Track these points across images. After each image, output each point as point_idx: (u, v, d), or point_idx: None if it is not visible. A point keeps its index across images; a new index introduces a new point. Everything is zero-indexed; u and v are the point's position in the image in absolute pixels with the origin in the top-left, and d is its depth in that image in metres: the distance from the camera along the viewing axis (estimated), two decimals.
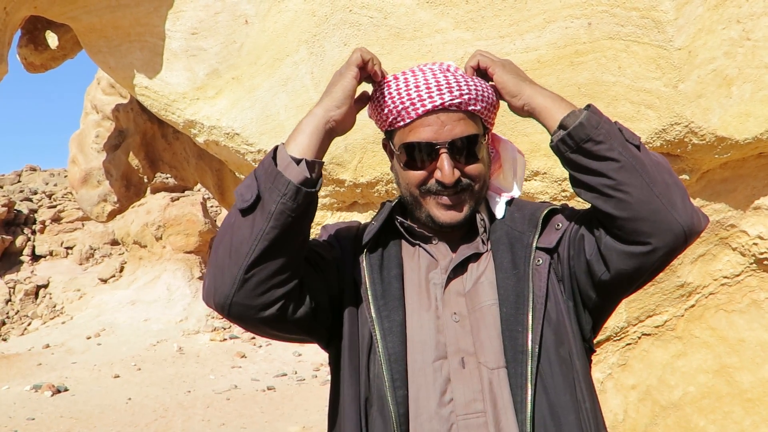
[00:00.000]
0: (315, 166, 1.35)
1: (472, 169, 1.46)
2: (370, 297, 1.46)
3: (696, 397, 2.88)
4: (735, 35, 2.42)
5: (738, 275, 2.84)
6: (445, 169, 1.42)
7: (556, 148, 1.37)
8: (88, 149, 5.77)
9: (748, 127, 2.45)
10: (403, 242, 1.56)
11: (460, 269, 1.50)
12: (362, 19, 2.77)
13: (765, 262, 2.77)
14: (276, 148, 1.36)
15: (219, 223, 21.09)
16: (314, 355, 13.30)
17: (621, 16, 2.48)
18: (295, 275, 1.37)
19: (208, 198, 21.66)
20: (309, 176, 1.31)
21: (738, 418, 2.82)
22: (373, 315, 1.44)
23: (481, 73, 1.51)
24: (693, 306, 2.89)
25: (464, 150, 1.44)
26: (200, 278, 18.36)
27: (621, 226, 1.31)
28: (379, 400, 1.41)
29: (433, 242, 1.55)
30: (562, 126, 1.35)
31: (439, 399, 1.39)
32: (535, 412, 1.34)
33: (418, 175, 1.47)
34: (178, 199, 19.38)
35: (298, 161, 1.32)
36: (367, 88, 1.55)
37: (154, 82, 3.15)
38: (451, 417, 1.38)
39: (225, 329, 16.16)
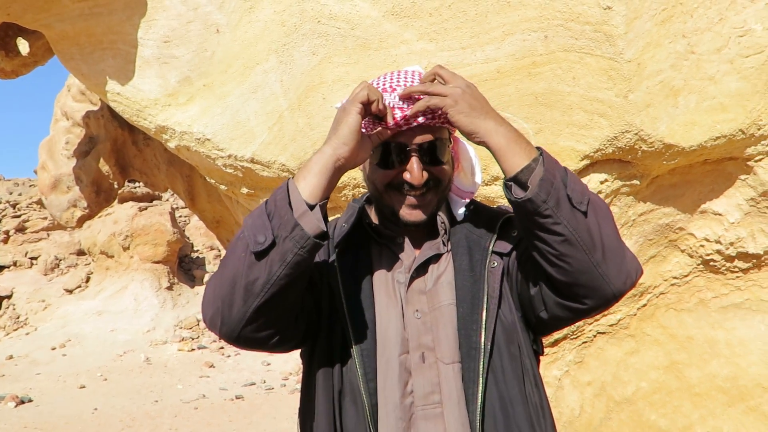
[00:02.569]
0: (324, 208, 1.41)
1: (439, 171, 1.56)
2: (343, 297, 1.56)
3: (648, 392, 3.02)
4: (681, 49, 2.57)
5: (686, 276, 2.99)
6: (415, 171, 1.51)
7: (508, 200, 1.41)
8: (58, 155, 5.77)
9: (693, 135, 2.60)
10: (372, 241, 1.67)
11: (422, 269, 1.60)
12: (330, 29, 2.87)
13: (711, 263, 2.93)
14: (288, 188, 1.39)
15: (188, 233, 20.94)
16: (283, 365, 13.29)
17: (575, 30, 2.61)
18: (296, 309, 1.49)
19: (177, 207, 21.49)
20: (324, 229, 1.37)
21: (687, 412, 2.97)
22: (347, 314, 1.54)
23: None
24: (645, 305, 3.03)
25: (432, 153, 1.54)
26: (168, 288, 18.17)
27: (559, 286, 1.42)
28: (351, 392, 1.52)
29: (398, 241, 1.65)
30: (516, 180, 1.37)
31: (402, 390, 1.51)
32: (486, 404, 1.47)
33: (388, 174, 1.56)
34: (146, 208, 19.19)
35: (311, 206, 1.37)
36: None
37: (126, 89, 3.21)
38: (411, 408, 1.50)
39: (193, 339, 16.02)
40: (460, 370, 1.50)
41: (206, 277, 19.62)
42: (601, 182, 2.78)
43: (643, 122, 2.59)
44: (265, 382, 12.15)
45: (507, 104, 2.71)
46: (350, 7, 2.84)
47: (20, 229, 22.07)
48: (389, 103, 1.50)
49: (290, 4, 2.93)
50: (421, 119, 1.50)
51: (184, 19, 3.13)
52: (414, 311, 1.56)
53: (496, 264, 1.56)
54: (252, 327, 1.40)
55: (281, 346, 1.51)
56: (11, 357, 14.92)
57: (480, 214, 1.67)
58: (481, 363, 1.47)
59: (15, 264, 21.11)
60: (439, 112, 1.47)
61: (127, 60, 3.19)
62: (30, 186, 23.25)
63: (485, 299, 1.51)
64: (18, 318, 18.19)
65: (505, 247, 1.59)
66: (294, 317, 1.50)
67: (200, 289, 17.65)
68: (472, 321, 1.50)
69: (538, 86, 2.69)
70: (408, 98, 1.49)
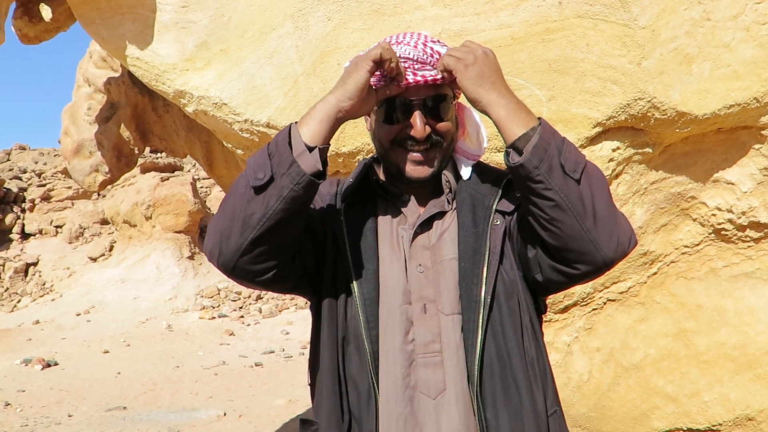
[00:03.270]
0: (325, 152, 1.48)
1: (442, 126, 1.62)
2: (348, 248, 1.62)
3: (656, 359, 3.05)
4: (696, 15, 2.55)
5: (698, 244, 3.00)
6: (418, 124, 1.57)
7: (507, 167, 1.48)
8: (80, 121, 5.88)
9: (706, 103, 2.59)
10: (378, 198, 1.72)
11: (426, 225, 1.66)
12: None
13: (722, 233, 2.93)
14: (290, 129, 1.47)
15: (209, 204, 21.15)
16: (301, 334, 13.49)
17: None
18: (292, 247, 1.55)
19: (198, 179, 21.68)
20: (320, 169, 1.44)
21: (694, 379, 3.00)
22: (351, 264, 1.61)
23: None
24: (655, 273, 3.05)
25: (435, 109, 1.60)
26: (190, 258, 18.44)
27: (552, 250, 1.47)
28: (355, 339, 1.59)
29: (404, 198, 1.70)
30: (513, 147, 1.43)
31: (403, 338, 1.57)
32: (484, 355, 1.53)
33: (393, 129, 1.62)
34: (168, 179, 19.41)
35: (311, 149, 1.44)
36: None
37: (145, 54, 3.26)
38: (412, 354, 1.57)
39: (214, 308, 16.29)
40: (460, 322, 1.56)
41: None
42: (614, 150, 2.79)
43: (657, 90, 2.59)
44: (284, 350, 12.36)
45: (520, 71, 2.72)
46: None
47: (45, 198, 22.45)
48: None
49: None
50: (430, 76, 1.55)
51: None
52: (417, 265, 1.62)
53: (498, 222, 1.61)
54: (247, 258, 1.46)
55: (276, 283, 1.57)
56: (38, 322, 15.33)
57: (485, 174, 1.71)
58: (481, 315, 1.53)
59: (41, 232, 21.52)
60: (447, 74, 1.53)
61: (146, 24, 3.23)
62: (55, 156, 23.55)
63: (486, 255, 1.56)
64: (44, 285, 18.62)
65: (508, 206, 1.63)
66: (290, 255, 1.55)
67: None
68: (473, 275, 1.56)
69: (551, 53, 2.69)
70: (422, 64, 1.55)
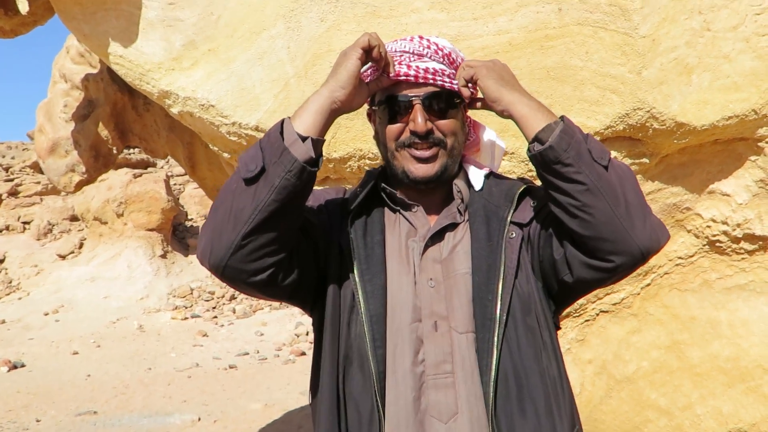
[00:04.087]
0: (319, 144, 1.42)
1: (445, 124, 1.56)
2: (354, 261, 1.54)
3: (648, 371, 3.02)
4: (696, 25, 2.53)
5: (692, 256, 2.98)
6: (418, 118, 1.52)
7: (531, 159, 1.45)
8: (56, 118, 5.69)
9: (705, 114, 2.57)
10: (386, 209, 1.65)
11: (437, 237, 1.59)
12: None
13: (717, 244, 2.92)
14: (283, 122, 1.41)
15: (182, 202, 20.87)
16: (276, 335, 13.35)
17: (590, 3, 2.57)
18: (288, 245, 1.45)
19: (172, 175, 21.38)
20: (313, 156, 1.38)
21: (687, 392, 2.98)
22: (357, 278, 1.52)
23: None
24: (649, 285, 3.03)
25: (437, 106, 1.55)
26: (162, 256, 18.15)
27: (584, 242, 1.41)
28: (359, 357, 1.50)
29: (413, 210, 1.63)
30: (537, 139, 1.41)
31: (413, 358, 1.49)
32: (499, 376, 1.45)
33: (395, 128, 1.57)
34: (140, 175, 19.09)
35: (303, 139, 1.38)
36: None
37: (129, 51, 3.14)
38: (422, 377, 1.49)
39: (186, 308, 16.05)
40: (474, 340, 1.49)
41: None
42: None
43: (656, 100, 2.56)
44: (258, 352, 12.20)
45: (518, 78, 2.59)
46: None
47: (13, 193, 21.94)
48: (394, 56, 1.54)
49: None
50: (431, 76, 1.53)
51: None
52: (428, 279, 1.54)
53: (514, 234, 1.55)
54: (240, 255, 1.38)
55: (271, 286, 1.47)
56: (3, 321, 14.93)
57: (499, 184, 1.65)
58: (496, 334, 1.46)
59: (7, 228, 21.02)
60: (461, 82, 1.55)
61: (130, 22, 3.11)
62: (23, 150, 23.05)
63: (502, 269, 1.50)
64: (10, 283, 18.16)
65: (524, 217, 1.57)
66: (287, 256, 1.46)
67: (194, 258, 17.60)
68: (487, 291, 1.49)
69: (550, 60, 2.64)
70: (419, 56, 1.54)
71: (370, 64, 1.53)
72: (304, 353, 11.59)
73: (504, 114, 1.51)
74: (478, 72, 1.51)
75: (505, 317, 1.47)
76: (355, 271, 1.53)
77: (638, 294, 3.04)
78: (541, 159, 1.39)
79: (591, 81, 2.61)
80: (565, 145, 1.36)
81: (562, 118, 1.42)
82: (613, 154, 2.74)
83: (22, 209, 21.68)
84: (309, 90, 2.83)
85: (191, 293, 16.91)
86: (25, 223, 21.34)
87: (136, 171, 19.43)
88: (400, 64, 1.53)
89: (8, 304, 16.56)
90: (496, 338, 1.45)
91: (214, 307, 16.13)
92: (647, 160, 2.77)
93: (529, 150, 1.44)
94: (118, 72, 3.28)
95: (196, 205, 21.32)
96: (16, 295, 17.34)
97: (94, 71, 5.72)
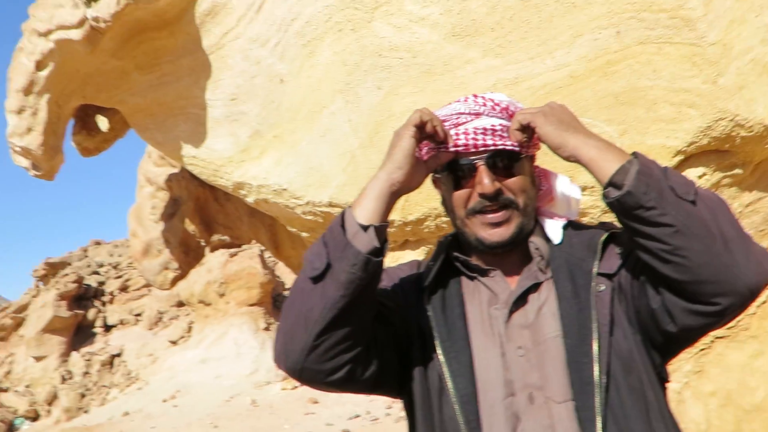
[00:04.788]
0: (383, 230, 1.37)
1: (513, 182, 1.47)
2: (436, 340, 1.46)
3: None
4: None
5: None
6: (484, 180, 1.43)
7: (608, 206, 1.33)
8: (146, 221, 6.01)
9: None
10: (463, 278, 1.57)
11: (521, 301, 1.47)
12: (392, 61, 2.83)
13: None
14: (344, 214, 1.38)
15: (278, 273, 21.37)
16: None
17: (649, 20, 2.47)
18: (363, 339, 1.40)
19: (265, 250, 22.01)
20: (377, 245, 1.34)
21: None
22: (441, 358, 1.43)
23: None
24: (764, 302, 2.79)
25: (503, 164, 1.46)
26: (266, 329, 18.58)
27: (683, 288, 1.27)
28: None
29: (491, 275, 1.54)
30: (611, 184, 1.29)
31: None
32: None
33: (462, 194, 1.49)
34: (236, 254, 19.75)
35: (365, 227, 1.34)
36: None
37: (200, 151, 3.27)
38: None
39: None
40: (574, 409, 1.35)
41: None
42: (700, 177, 2.59)
43: (738, 106, 2.41)
44: (369, 413, 12.14)
45: (585, 109, 2.57)
46: (409, 35, 2.79)
47: (123, 289, 23.22)
48: (450, 119, 1.48)
49: (349, 43, 2.92)
50: (489, 138, 1.45)
51: (248, 75, 3.17)
52: (516, 348, 1.43)
53: (603, 287, 1.42)
54: (314, 356, 1.34)
55: (352, 383, 1.41)
56: (127, 413, 15.60)
57: (579, 234, 1.53)
58: (597, 399, 1.32)
59: (122, 322, 22.17)
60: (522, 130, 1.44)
61: (198, 122, 3.25)
62: (127, 246, 24.42)
63: (595, 328, 1.37)
64: (129, 374, 19.05)
65: (611, 266, 1.44)
66: (364, 350, 1.40)
67: None
68: (582, 353, 1.36)
69: (616, 85, 2.55)
70: (475, 115, 1.47)
71: (425, 141, 1.47)
72: None
73: (571, 159, 1.40)
74: (535, 121, 1.41)
75: (605, 380, 1.34)
76: (439, 350, 1.44)
77: (754, 314, 2.80)
78: (620, 206, 1.27)
79: (664, 99, 2.49)
80: (643, 187, 1.23)
81: (635, 154, 1.29)
82: (701, 170, 2.58)
83: (132, 302, 22.88)
84: (375, 158, 2.84)
85: None
86: (137, 315, 22.46)
87: (232, 250, 20.12)
88: (457, 133, 1.47)
89: (130, 395, 17.34)
90: (597, 404, 1.31)
91: None
92: (740, 171, 2.59)
93: (604, 196, 1.31)
94: (193, 171, 3.42)
95: (292, 274, 21.78)
96: (136, 386, 18.14)
97: (176, 170, 6.03)
